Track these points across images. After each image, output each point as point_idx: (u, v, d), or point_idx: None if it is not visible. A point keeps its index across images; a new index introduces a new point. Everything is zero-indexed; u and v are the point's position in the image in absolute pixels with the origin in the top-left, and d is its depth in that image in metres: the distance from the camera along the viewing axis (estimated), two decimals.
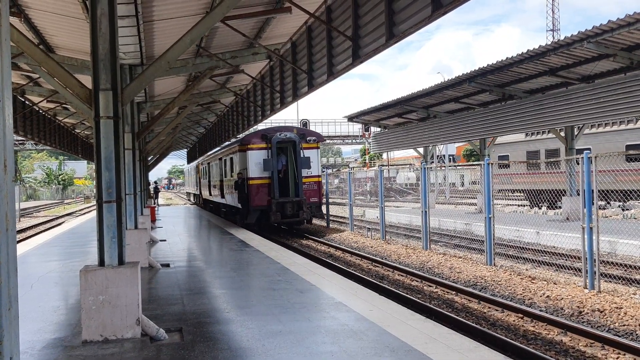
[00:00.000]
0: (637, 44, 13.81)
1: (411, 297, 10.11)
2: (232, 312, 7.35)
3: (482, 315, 9.14)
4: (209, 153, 31.51)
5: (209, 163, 31.93)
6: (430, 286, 11.40)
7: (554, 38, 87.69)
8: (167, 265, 11.55)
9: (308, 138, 21.51)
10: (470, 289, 10.58)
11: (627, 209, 22.54)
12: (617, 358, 6.75)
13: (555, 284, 10.58)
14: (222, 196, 26.15)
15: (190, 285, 9.46)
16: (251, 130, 20.86)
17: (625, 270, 11.52)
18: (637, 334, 7.55)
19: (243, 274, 10.41)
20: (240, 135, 22.13)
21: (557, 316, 8.57)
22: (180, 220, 26.22)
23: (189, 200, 56.96)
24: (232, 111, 20.22)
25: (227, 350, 5.66)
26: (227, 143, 24.84)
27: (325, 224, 23.94)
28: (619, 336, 7.47)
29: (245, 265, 11.46)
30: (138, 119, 14.66)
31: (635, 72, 14.83)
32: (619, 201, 22.97)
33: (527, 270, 12.33)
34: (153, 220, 22.51)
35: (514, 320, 8.67)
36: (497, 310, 9.29)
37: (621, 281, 10.60)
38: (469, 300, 10.08)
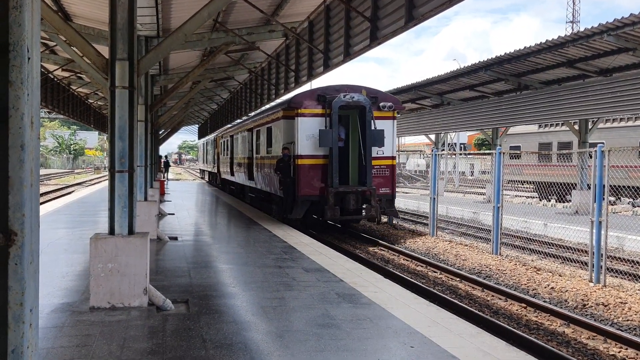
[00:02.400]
0: None
1: (415, 282, 10.15)
2: (237, 286, 7.43)
3: (485, 303, 9.17)
4: (233, 123, 26.54)
5: (232, 136, 26.32)
6: (434, 272, 11.44)
7: (573, 30, 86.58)
8: (175, 239, 11.65)
9: (381, 104, 15.32)
10: (474, 277, 10.61)
11: (637, 206, 22.41)
12: (619, 352, 6.77)
13: (560, 276, 10.58)
14: (250, 177, 20.88)
15: (197, 258, 9.55)
16: (298, 90, 14.92)
17: (632, 266, 11.49)
18: None
19: (250, 251, 10.48)
20: (281, 99, 16.54)
21: (561, 308, 8.59)
22: (189, 196, 26.38)
23: (202, 178, 50.85)
24: (245, 88, 20.19)
25: (232, 323, 5.73)
26: (263, 108, 19.13)
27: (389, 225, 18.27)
28: (622, 330, 7.48)
29: (253, 242, 11.53)
30: (151, 91, 14.70)
31: None
32: (630, 197, 22.83)
33: (532, 261, 12.33)
34: (162, 193, 22.66)
35: (517, 310, 8.69)
36: (500, 298, 9.31)
37: (627, 277, 10.58)
38: (472, 287, 10.12)
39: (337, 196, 14.54)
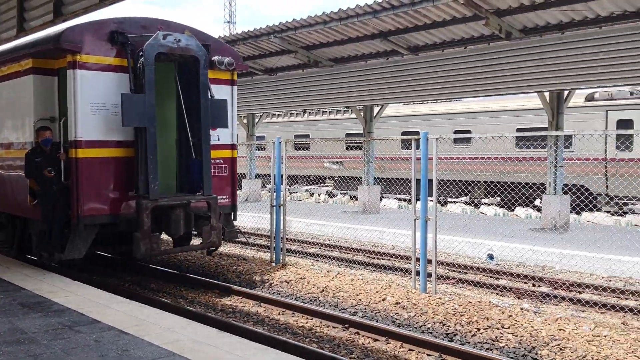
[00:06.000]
0: (314, 44, 15.53)
1: (102, 279, 9.52)
2: None
3: (180, 294, 9.17)
4: None
5: None
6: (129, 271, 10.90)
7: (230, 30, 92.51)
8: None
9: (216, 58, 9.33)
10: (166, 269, 10.50)
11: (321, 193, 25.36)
12: (307, 322, 7.55)
13: (245, 260, 11.25)
14: None
15: None
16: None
17: (300, 245, 12.99)
18: (319, 300, 8.56)
19: None
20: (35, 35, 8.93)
21: (251, 289, 9.12)
22: None
23: None
24: None
25: None
26: None
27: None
28: (305, 302, 8.36)
29: None
30: None
31: (312, 69, 16.70)
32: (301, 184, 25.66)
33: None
34: None
35: (211, 297, 8.90)
36: (192, 289, 9.42)
37: (296, 254, 12.01)
38: (165, 282, 9.96)
39: (157, 213, 8.44)
